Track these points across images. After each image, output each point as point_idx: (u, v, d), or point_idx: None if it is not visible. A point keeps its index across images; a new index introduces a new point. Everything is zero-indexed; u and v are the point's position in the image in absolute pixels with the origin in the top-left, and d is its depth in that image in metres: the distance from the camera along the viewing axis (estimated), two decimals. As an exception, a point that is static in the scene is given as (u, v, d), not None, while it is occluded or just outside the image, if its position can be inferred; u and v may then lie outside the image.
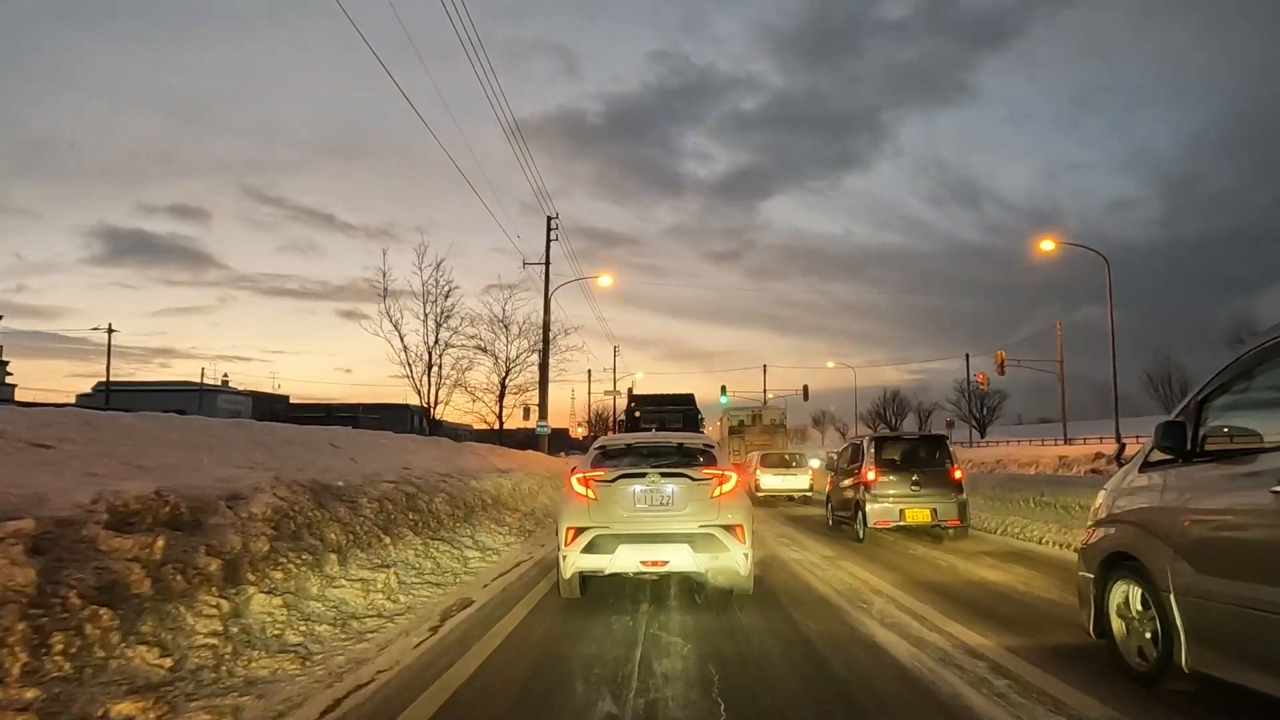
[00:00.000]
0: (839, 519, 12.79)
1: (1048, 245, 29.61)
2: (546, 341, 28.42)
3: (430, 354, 25.52)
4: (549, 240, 28.66)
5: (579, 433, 69.59)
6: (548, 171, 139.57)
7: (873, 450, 11.43)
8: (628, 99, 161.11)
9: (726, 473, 6.63)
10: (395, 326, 24.97)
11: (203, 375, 53.38)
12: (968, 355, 58.72)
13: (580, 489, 6.46)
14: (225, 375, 58.71)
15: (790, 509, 18.88)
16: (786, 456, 22.09)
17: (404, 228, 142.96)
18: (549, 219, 28.89)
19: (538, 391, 29.17)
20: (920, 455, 11.56)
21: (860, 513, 11.25)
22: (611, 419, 56.37)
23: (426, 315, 25.51)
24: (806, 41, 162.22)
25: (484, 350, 28.34)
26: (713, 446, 7.31)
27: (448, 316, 25.85)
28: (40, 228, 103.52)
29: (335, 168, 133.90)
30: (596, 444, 7.49)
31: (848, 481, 12.24)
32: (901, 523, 10.91)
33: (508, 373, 29.12)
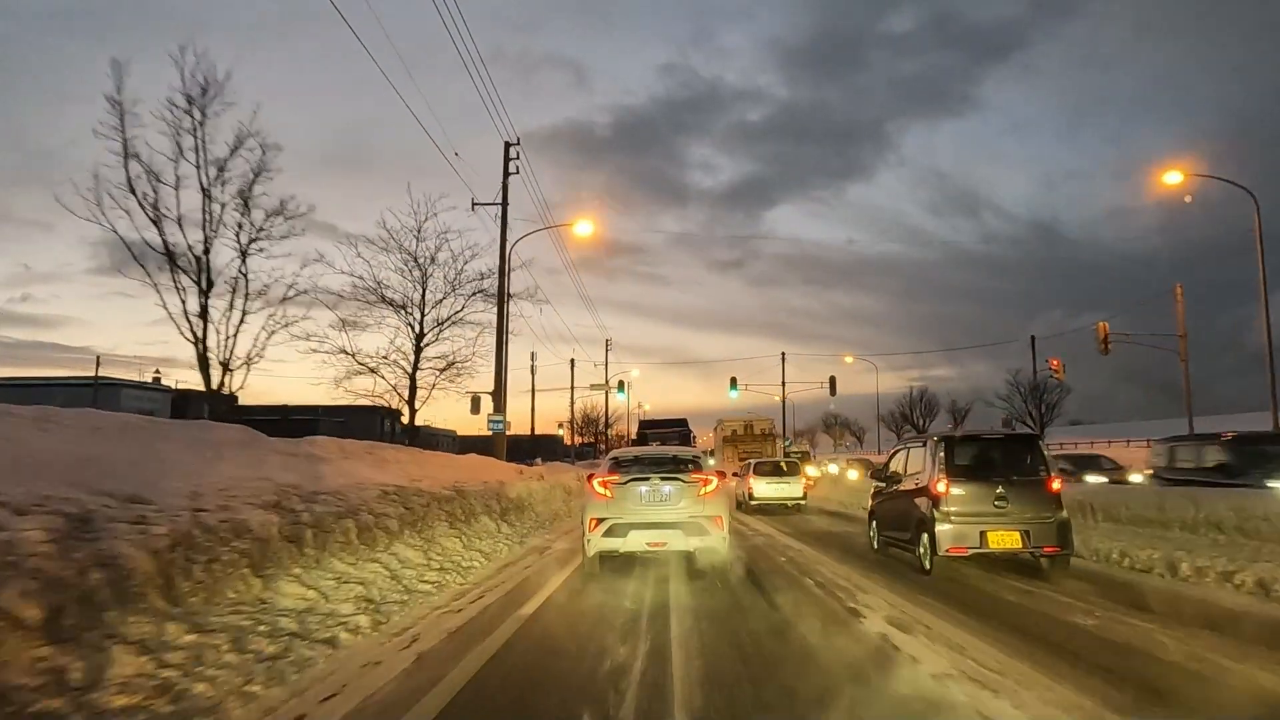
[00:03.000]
0: (890, 541, 10.17)
1: (1174, 177, 23.28)
2: (503, 304, 21.09)
3: (203, 261, 13.24)
4: (506, 172, 21.70)
5: (563, 437, 65.30)
6: (555, 183, 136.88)
7: (943, 454, 8.78)
8: (636, 111, 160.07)
9: (710, 477, 8.46)
10: (145, 206, 12.76)
11: (97, 366, 45.06)
12: (1033, 338, 43.00)
13: (601, 489, 8.31)
14: (157, 371, 51.50)
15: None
16: (782, 465, 21.67)
17: (405, 236, 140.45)
18: (507, 145, 21.81)
19: (496, 383, 21.95)
20: (1005, 460, 8.92)
21: (926, 535, 8.62)
22: (603, 419, 52.16)
23: (208, 192, 13.38)
24: (813, 54, 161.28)
25: (384, 299, 20.12)
26: (700, 457, 9.27)
27: (246, 201, 13.98)
28: (48, 238, 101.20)
29: (337, 176, 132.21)
30: (610, 455, 9.46)
31: (905, 494, 9.60)
32: (982, 549, 8.30)
33: (422, 335, 20.53)
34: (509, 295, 21.65)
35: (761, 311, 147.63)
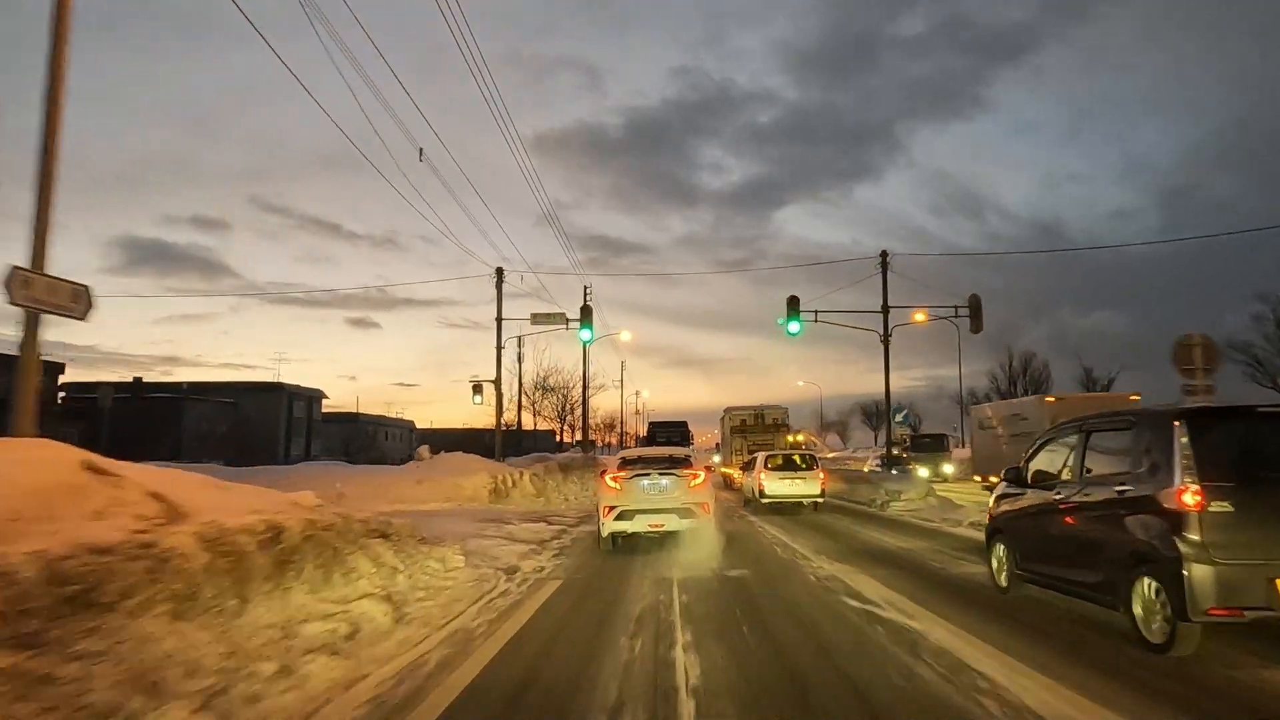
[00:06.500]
0: (1044, 580, 6.46)
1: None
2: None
3: None
4: None
5: (553, 432, 59.45)
6: (565, 184, 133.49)
7: (1187, 439, 5.03)
8: (647, 113, 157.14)
9: (698, 472, 10.72)
10: None
11: None
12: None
13: (612, 483, 10.47)
14: None
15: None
16: (797, 459, 19.40)
17: (408, 235, 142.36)
18: None
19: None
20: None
21: (1153, 582, 4.98)
22: (585, 395, 43.44)
23: None
24: (823, 57, 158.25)
25: None
26: (690, 456, 11.86)
27: None
28: (62, 239, 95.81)
29: (341, 178, 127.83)
30: (619, 455, 12.24)
31: (1087, 508, 5.84)
32: (1271, 610, 4.57)
33: None
34: None
35: (767, 311, 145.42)
